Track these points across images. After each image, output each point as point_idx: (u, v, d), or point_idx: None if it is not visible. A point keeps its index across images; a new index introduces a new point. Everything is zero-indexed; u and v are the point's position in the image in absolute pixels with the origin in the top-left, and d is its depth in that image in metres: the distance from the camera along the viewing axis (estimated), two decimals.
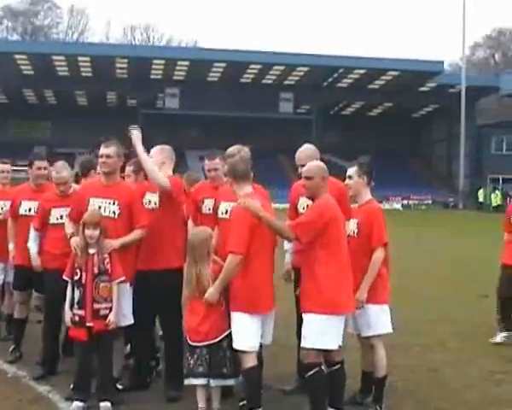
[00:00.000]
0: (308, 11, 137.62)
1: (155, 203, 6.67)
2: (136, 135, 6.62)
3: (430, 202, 62.47)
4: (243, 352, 5.56)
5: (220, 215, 6.42)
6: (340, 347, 5.62)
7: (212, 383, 5.75)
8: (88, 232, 6.06)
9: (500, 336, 8.89)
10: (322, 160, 6.06)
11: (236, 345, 5.59)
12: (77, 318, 6.08)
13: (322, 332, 5.44)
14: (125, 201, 6.44)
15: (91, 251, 6.09)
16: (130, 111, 56.86)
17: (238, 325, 5.58)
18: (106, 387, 6.20)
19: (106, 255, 6.13)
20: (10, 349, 7.71)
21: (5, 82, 57.99)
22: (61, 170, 7.17)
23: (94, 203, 6.42)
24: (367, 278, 5.99)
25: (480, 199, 56.91)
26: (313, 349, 5.48)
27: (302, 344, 5.57)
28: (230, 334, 5.68)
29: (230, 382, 5.87)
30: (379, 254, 6.05)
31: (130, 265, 6.44)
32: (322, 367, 5.57)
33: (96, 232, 6.07)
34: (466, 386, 7.10)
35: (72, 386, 6.26)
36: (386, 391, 6.22)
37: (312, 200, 5.74)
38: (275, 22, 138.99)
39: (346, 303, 5.61)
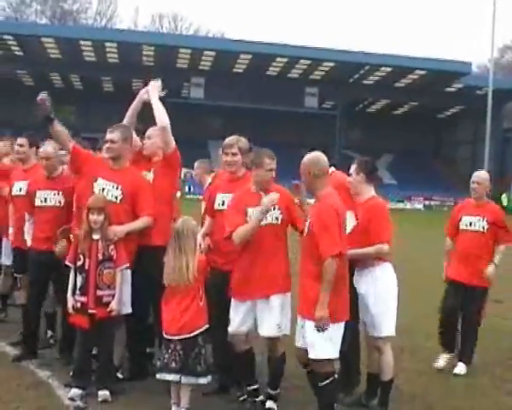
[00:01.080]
0: (336, 6, 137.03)
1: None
2: (153, 85, 6.68)
3: (452, 203, 61.88)
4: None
5: (217, 207, 6.31)
6: None
7: (183, 379, 5.49)
8: (92, 217, 5.96)
9: (443, 358, 7.76)
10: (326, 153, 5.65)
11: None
12: (79, 304, 5.99)
13: (332, 340, 5.18)
14: (128, 186, 6.33)
15: (95, 237, 6.00)
16: None
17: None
18: (105, 375, 6.11)
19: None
20: (18, 333, 7.63)
21: (32, 65, 58.37)
22: (46, 146, 7.14)
23: (99, 184, 6.33)
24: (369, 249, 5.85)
25: (504, 203, 56.30)
26: (327, 359, 5.24)
27: (315, 356, 5.21)
28: (206, 331, 5.56)
29: (202, 380, 5.56)
30: (384, 248, 5.87)
31: (131, 251, 6.31)
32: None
33: (101, 218, 5.97)
34: (475, 392, 6.93)
35: (71, 373, 6.17)
36: (393, 394, 6.07)
37: (313, 196, 5.47)
38: (302, 16, 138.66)
39: (348, 309, 5.37)
